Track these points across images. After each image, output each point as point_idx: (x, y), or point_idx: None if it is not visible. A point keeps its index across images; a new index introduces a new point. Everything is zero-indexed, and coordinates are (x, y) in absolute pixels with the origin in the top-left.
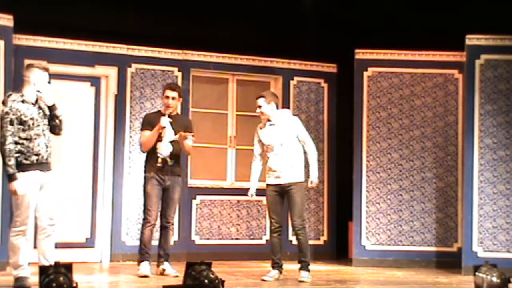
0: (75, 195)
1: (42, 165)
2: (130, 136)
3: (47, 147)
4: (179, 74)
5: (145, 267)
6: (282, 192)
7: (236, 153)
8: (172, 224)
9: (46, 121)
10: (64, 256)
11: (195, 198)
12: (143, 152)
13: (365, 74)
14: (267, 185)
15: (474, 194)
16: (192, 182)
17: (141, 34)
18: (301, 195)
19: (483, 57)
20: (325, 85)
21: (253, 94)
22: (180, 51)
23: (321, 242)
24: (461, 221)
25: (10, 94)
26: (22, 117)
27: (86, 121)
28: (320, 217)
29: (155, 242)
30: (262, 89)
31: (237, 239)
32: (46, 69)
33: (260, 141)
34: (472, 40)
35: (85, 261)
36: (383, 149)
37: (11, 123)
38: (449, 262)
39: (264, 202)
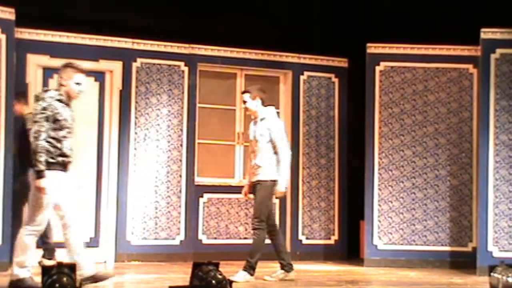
0: (79, 193)
1: (65, 166)
2: (135, 133)
3: (71, 150)
4: (186, 69)
5: None
6: (254, 191)
7: (244, 150)
8: None
9: (74, 124)
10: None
11: (202, 196)
12: None
13: (377, 68)
14: None
15: (489, 192)
16: (199, 180)
17: (147, 28)
18: (262, 194)
19: (499, 51)
20: (336, 80)
21: None
22: (186, 45)
23: (332, 241)
24: (476, 220)
25: (47, 90)
26: (57, 116)
27: (90, 117)
28: (331, 216)
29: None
30: (271, 84)
31: (245, 238)
32: (84, 71)
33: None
34: (487, 34)
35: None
36: (395, 146)
37: (47, 119)
38: (463, 262)
39: (273, 200)
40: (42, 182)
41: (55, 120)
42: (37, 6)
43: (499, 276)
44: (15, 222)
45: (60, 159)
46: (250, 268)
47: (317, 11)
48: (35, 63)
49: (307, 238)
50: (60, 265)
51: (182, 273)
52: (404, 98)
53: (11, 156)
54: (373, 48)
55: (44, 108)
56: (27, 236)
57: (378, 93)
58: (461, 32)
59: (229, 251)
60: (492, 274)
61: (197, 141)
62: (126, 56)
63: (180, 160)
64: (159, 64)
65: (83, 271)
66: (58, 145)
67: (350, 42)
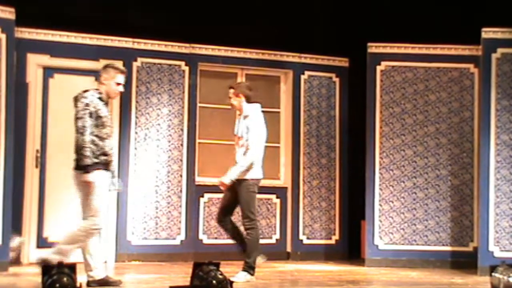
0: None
1: (108, 165)
2: (136, 133)
3: (111, 149)
4: (186, 68)
5: None
6: (233, 187)
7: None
8: None
9: (112, 124)
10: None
11: (202, 196)
12: None
13: (378, 68)
14: None
15: (491, 192)
16: (199, 180)
17: (147, 27)
18: (245, 194)
19: (500, 50)
20: (336, 80)
21: (263, 89)
22: (187, 45)
23: (332, 241)
24: (477, 220)
25: (87, 90)
26: (99, 112)
27: None
28: (331, 215)
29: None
30: (272, 83)
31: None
32: (124, 72)
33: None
34: (488, 33)
35: None
36: (396, 146)
37: (90, 115)
38: (464, 262)
39: (274, 200)
40: (90, 176)
41: (97, 117)
42: (37, 5)
43: (500, 276)
44: (15, 222)
45: (102, 158)
46: (250, 268)
47: (318, 11)
48: (35, 62)
49: (308, 238)
50: (60, 265)
51: (183, 273)
52: (405, 97)
53: (11, 156)
54: (374, 48)
55: (87, 104)
56: (82, 234)
57: (379, 93)
58: (462, 32)
59: (230, 251)
60: (493, 274)
61: (197, 140)
62: (127, 56)
63: (181, 160)
64: (160, 64)
65: (93, 273)
66: (101, 143)
67: (351, 41)
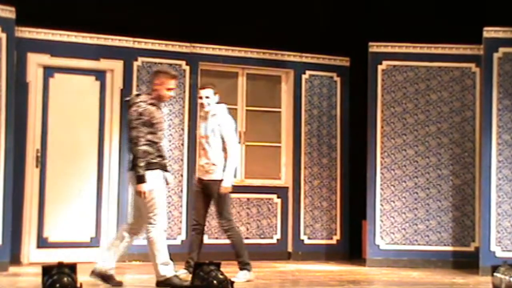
0: (80, 193)
1: (165, 166)
2: None
3: (165, 150)
4: (187, 68)
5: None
6: (205, 189)
7: (246, 149)
8: None
9: (165, 126)
10: (68, 256)
11: None
12: None
13: (379, 67)
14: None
15: (492, 191)
16: None
17: (148, 26)
18: (222, 194)
19: (501, 50)
20: (337, 79)
21: (264, 89)
22: (188, 44)
23: (334, 241)
24: (478, 220)
25: (139, 94)
26: (153, 120)
27: (90, 116)
28: (333, 215)
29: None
30: (273, 83)
31: (247, 238)
32: (175, 77)
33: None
34: (490, 32)
35: (90, 261)
36: (398, 146)
37: (144, 124)
38: (466, 262)
39: (275, 200)
40: (143, 187)
41: (151, 124)
42: (38, 4)
43: (502, 276)
44: (15, 222)
45: (159, 159)
46: (246, 265)
47: (319, 10)
48: (35, 62)
49: (309, 238)
50: (60, 265)
51: None
52: (406, 97)
53: (11, 156)
54: (375, 47)
55: (141, 114)
56: (156, 236)
57: (380, 92)
58: (464, 31)
59: (230, 251)
60: (494, 274)
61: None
62: (127, 55)
63: (182, 160)
64: (160, 63)
65: (103, 264)
66: (155, 146)
67: (352, 41)
